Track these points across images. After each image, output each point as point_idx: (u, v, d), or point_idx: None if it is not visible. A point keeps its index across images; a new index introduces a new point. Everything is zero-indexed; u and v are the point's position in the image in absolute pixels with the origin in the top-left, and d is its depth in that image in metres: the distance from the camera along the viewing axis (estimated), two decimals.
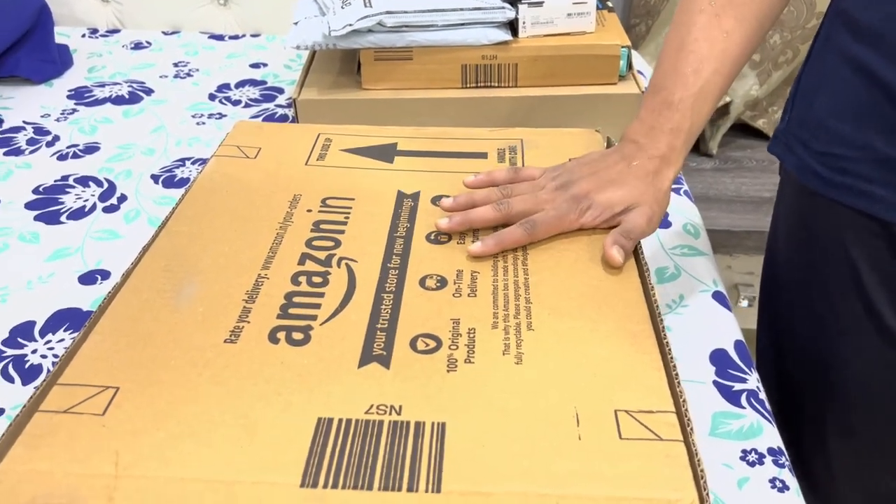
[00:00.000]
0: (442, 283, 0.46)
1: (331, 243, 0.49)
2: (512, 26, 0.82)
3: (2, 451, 0.34)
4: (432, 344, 0.41)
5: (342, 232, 0.50)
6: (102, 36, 1.18)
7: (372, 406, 0.37)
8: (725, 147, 1.37)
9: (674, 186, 0.74)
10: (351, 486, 0.33)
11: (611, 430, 0.36)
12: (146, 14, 1.21)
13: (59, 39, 1.09)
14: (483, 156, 0.60)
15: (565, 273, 0.46)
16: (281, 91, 1.00)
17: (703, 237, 0.75)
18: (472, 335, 0.42)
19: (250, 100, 0.97)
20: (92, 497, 0.33)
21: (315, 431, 0.36)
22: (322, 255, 0.48)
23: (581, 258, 0.48)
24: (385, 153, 0.60)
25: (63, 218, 0.75)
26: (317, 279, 0.46)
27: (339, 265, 0.47)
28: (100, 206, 0.76)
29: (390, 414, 0.37)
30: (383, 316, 0.43)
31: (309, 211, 0.52)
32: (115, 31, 1.20)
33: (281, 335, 0.42)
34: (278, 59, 1.10)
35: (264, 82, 1.02)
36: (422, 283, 0.46)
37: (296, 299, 0.44)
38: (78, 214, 0.75)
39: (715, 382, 0.58)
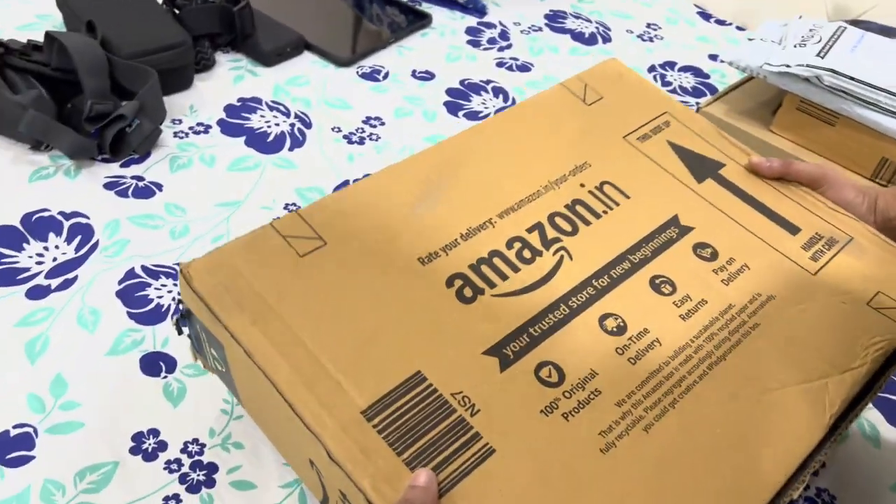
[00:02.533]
0: (621, 329, 0.44)
1: (568, 228, 0.49)
2: None
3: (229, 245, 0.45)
4: (554, 377, 0.41)
5: (588, 224, 0.49)
6: None
7: (460, 393, 0.40)
8: None
9: None
10: (390, 444, 0.37)
11: None
12: None
13: None
14: (793, 230, 0.52)
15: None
16: (704, 93, 1.00)
17: None
18: (595, 395, 0.41)
19: (680, 87, 0.99)
20: (237, 316, 0.41)
21: (403, 381, 0.40)
22: (552, 234, 0.48)
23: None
24: (702, 168, 0.55)
25: None
26: (526, 254, 0.47)
27: (554, 253, 0.47)
28: None
29: (467, 410, 0.39)
30: (542, 326, 0.43)
31: (582, 186, 0.51)
32: None
33: (457, 283, 0.44)
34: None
35: (708, 76, 1.03)
36: (602, 319, 0.44)
37: (495, 260, 0.46)
38: None
39: None
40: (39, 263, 0.64)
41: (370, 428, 0.38)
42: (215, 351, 0.45)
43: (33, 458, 0.51)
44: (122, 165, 0.74)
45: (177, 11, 0.88)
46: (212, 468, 0.52)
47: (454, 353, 0.41)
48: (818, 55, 0.74)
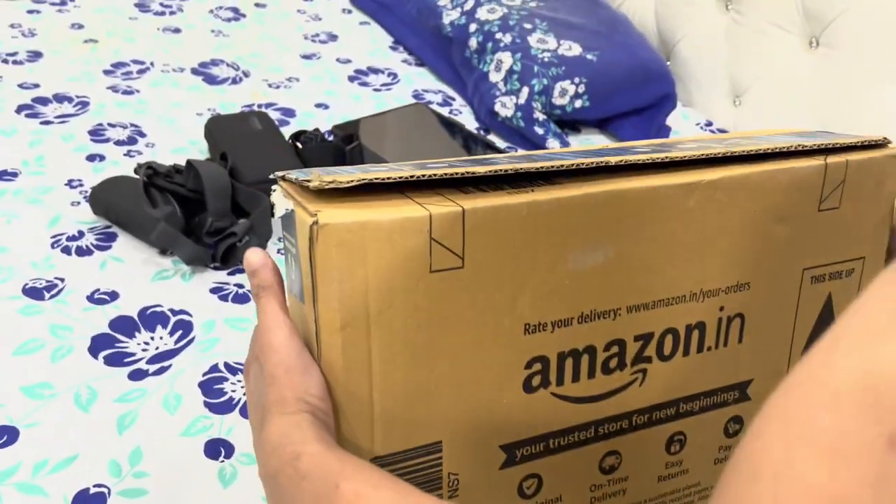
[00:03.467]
0: (612, 469, 0.48)
1: (668, 351, 0.48)
2: None
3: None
4: (531, 489, 0.46)
5: (686, 355, 0.49)
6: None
7: (456, 474, 0.43)
8: None
9: None
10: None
11: None
12: None
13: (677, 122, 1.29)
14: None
15: None
16: None
17: None
18: None
19: None
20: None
21: (422, 445, 0.42)
22: (650, 351, 0.47)
23: None
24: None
25: None
26: (612, 363, 0.46)
27: (632, 374, 0.47)
28: None
29: (448, 492, 0.43)
30: (561, 441, 0.46)
31: (721, 309, 0.49)
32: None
33: (535, 367, 0.44)
34: None
35: None
36: (606, 455, 0.48)
37: (584, 357, 0.45)
38: None
39: None
40: (144, 350, 0.77)
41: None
42: (294, 276, 0.42)
43: None
44: (229, 274, 0.87)
45: (300, 146, 1.04)
46: None
47: (478, 436, 0.43)
48: None
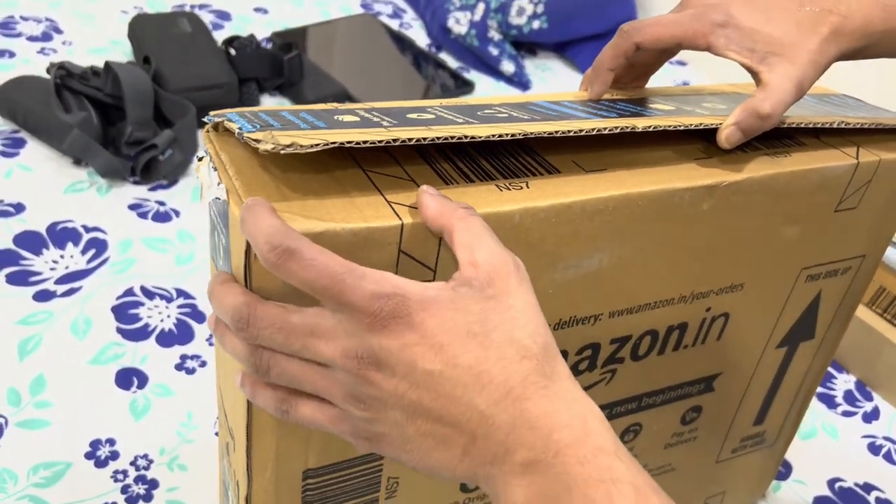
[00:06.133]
0: None
1: (643, 352, 0.44)
2: None
3: None
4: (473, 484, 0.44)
5: (661, 354, 0.46)
6: None
7: (397, 478, 0.41)
8: None
9: None
10: (304, 500, 0.39)
11: None
12: None
13: None
14: None
15: None
16: None
17: None
18: None
19: None
20: None
21: (364, 455, 0.40)
22: (623, 353, 0.43)
23: None
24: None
25: None
26: (582, 366, 0.42)
27: (601, 374, 0.43)
28: None
29: (386, 493, 0.41)
30: None
31: (708, 310, 0.45)
32: None
33: None
34: None
35: None
36: None
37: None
38: None
39: None
40: (52, 269, 0.70)
41: (299, 487, 0.38)
42: (223, 266, 0.35)
43: None
44: (149, 189, 0.81)
45: (233, 53, 0.96)
46: (153, 484, 0.56)
47: None
48: None
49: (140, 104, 0.81)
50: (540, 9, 1.12)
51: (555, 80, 1.15)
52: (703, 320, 0.45)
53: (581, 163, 0.38)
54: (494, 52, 1.11)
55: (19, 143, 0.82)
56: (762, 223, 0.43)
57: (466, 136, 0.34)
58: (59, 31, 1.02)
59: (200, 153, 0.35)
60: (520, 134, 0.35)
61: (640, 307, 0.42)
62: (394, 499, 0.42)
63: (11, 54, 0.96)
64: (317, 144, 0.30)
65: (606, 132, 0.37)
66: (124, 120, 0.81)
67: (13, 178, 0.78)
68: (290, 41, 1.01)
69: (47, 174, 0.79)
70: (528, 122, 0.37)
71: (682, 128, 0.39)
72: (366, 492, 0.41)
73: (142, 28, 0.95)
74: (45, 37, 1.00)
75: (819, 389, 0.75)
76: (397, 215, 0.32)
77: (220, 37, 1.02)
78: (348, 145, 0.31)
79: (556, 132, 0.36)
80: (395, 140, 0.32)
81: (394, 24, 1.20)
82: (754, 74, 0.41)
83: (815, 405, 0.73)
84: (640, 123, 0.38)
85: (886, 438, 0.71)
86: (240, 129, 0.32)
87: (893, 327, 0.75)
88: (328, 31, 1.14)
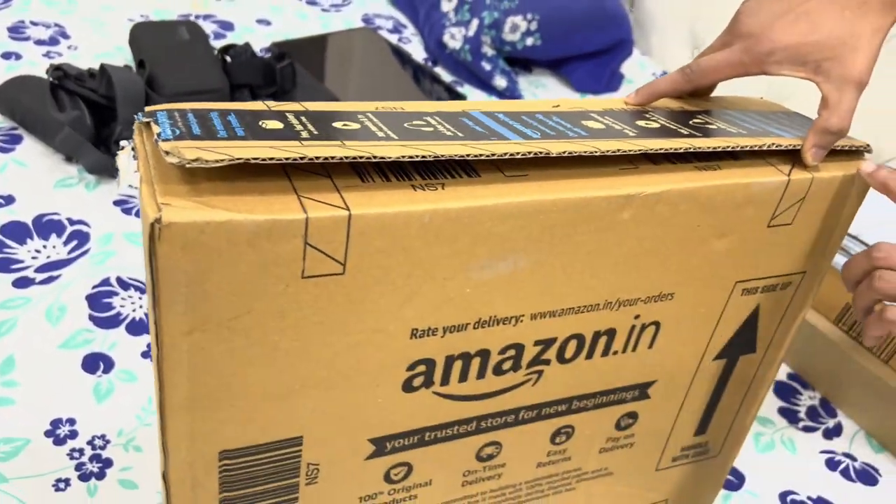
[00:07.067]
0: (489, 457, 0.47)
1: (570, 355, 0.45)
2: None
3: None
4: (399, 476, 0.45)
5: (589, 358, 0.47)
6: None
7: (317, 464, 0.42)
8: None
9: None
10: (220, 482, 0.40)
11: None
12: None
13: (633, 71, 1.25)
14: None
15: None
16: None
17: None
18: (412, 499, 0.46)
19: None
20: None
21: (280, 440, 0.40)
22: (549, 355, 0.44)
23: None
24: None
25: None
26: (506, 365, 0.44)
27: (526, 375, 0.45)
28: None
29: (307, 479, 0.42)
30: (438, 434, 0.44)
31: (637, 317, 0.46)
32: None
33: (419, 368, 0.41)
34: None
35: None
36: (485, 445, 0.47)
37: (475, 360, 0.42)
38: None
39: None
40: (34, 258, 0.73)
41: (215, 467, 0.39)
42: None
43: None
44: (135, 187, 0.84)
45: (228, 60, 0.99)
46: (107, 463, 0.58)
47: (347, 430, 0.41)
48: None
49: (131, 105, 0.84)
50: (534, 26, 1.14)
51: (547, 97, 1.16)
52: (633, 327, 0.46)
53: (503, 168, 0.40)
54: (487, 67, 1.14)
55: (16, 140, 0.86)
56: (690, 234, 0.44)
57: (375, 157, 0.35)
58: (65, 36, 1.06)
59: (123, 143, 0.37)
60: (430, 155, 0.36)
61: (563, 311, 0.43)
62: (315, 485, 0.43)
63: (18, 56, 1.00)
64: (221, 160, 0.32)
65: (519, 157, 0.38)
66: (117, 120, 0.84)
67: (7, 172, 0.82)
68: (286, 51, 1.05)
69: (40, 169, 0.83)
70: (448, 140, 0.38)
71: (597, 153, 0.40)
72: (284, 476, 0.42)
73: (142, 35, 0.99)
74: (52, 41, 1.05)
75: (782, 404, 0.75)
76: (304, 209, 0.33)
77: (220, 46, 1.05)
78: (253, 161, 0.33)
79: (467, 156, 0.37)
80: (301, 157, 0.33)
81: (393, 39, 1.23)
82: (816, 84, 0.44)
83: (777, 419, 0.74)
84: (555, 149, 0.39)
85: (846, 455, 0.71)
86: (157, 135, 0.34)
87: (859, 345, 0.75)
88: (326, 43, 1.17)
